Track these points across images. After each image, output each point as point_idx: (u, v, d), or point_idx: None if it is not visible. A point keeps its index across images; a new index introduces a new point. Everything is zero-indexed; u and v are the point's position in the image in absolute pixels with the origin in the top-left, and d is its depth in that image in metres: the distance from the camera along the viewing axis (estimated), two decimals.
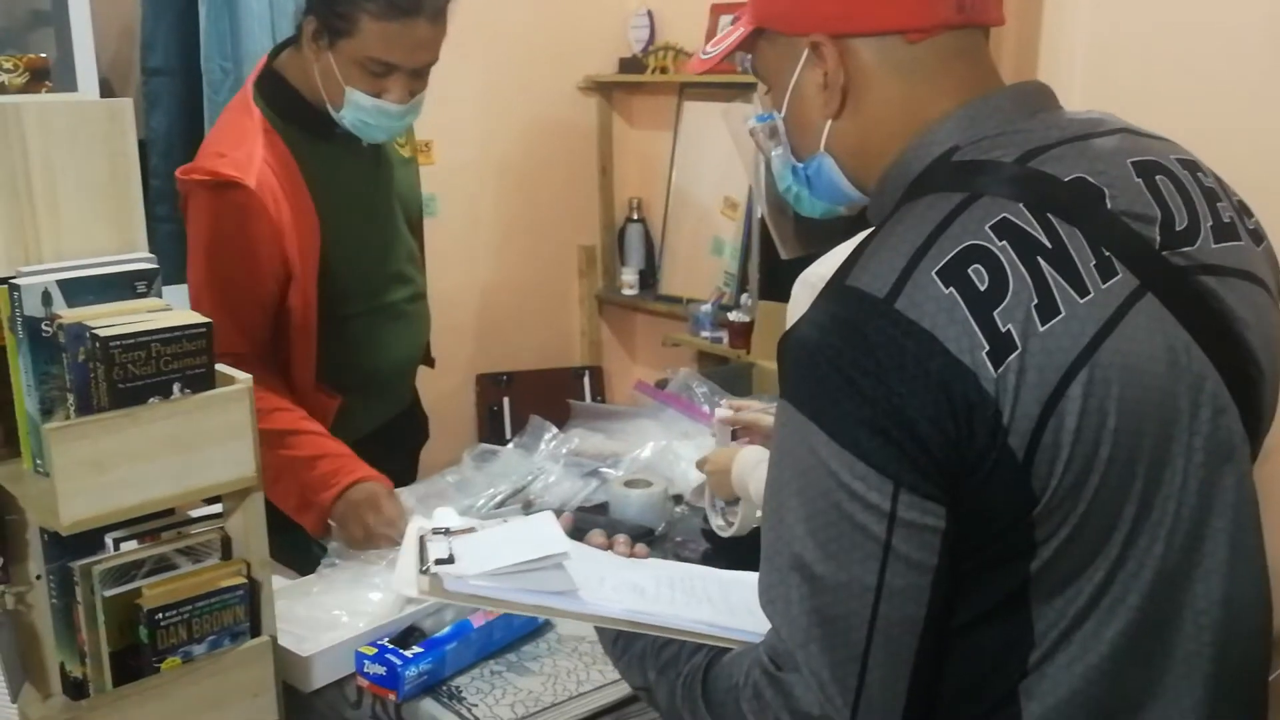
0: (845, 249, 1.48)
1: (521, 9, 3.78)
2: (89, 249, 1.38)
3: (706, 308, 3.67)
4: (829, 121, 1.08)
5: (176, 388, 1.31)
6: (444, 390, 2.59)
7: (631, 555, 1.27)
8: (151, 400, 1.29)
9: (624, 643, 1.15)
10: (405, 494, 2.10)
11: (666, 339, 3.82)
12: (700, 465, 1.99)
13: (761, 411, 1.91)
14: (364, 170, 2.14)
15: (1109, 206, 0.95)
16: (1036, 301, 0.89)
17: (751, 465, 1.75)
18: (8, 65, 1.43)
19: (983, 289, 0.89)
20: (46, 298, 1.30)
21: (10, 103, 1.31)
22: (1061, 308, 0.90)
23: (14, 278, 1.31)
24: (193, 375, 1.32)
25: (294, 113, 2.02)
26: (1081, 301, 0.91)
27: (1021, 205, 0.93)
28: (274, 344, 2.03)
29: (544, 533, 1.21)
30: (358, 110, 1.98)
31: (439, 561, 1.12)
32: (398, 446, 2.38)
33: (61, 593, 1.41)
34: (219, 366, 1.36)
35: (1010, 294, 0.89)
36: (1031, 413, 0.88)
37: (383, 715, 1.66)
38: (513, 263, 3.99)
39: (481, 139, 3.82)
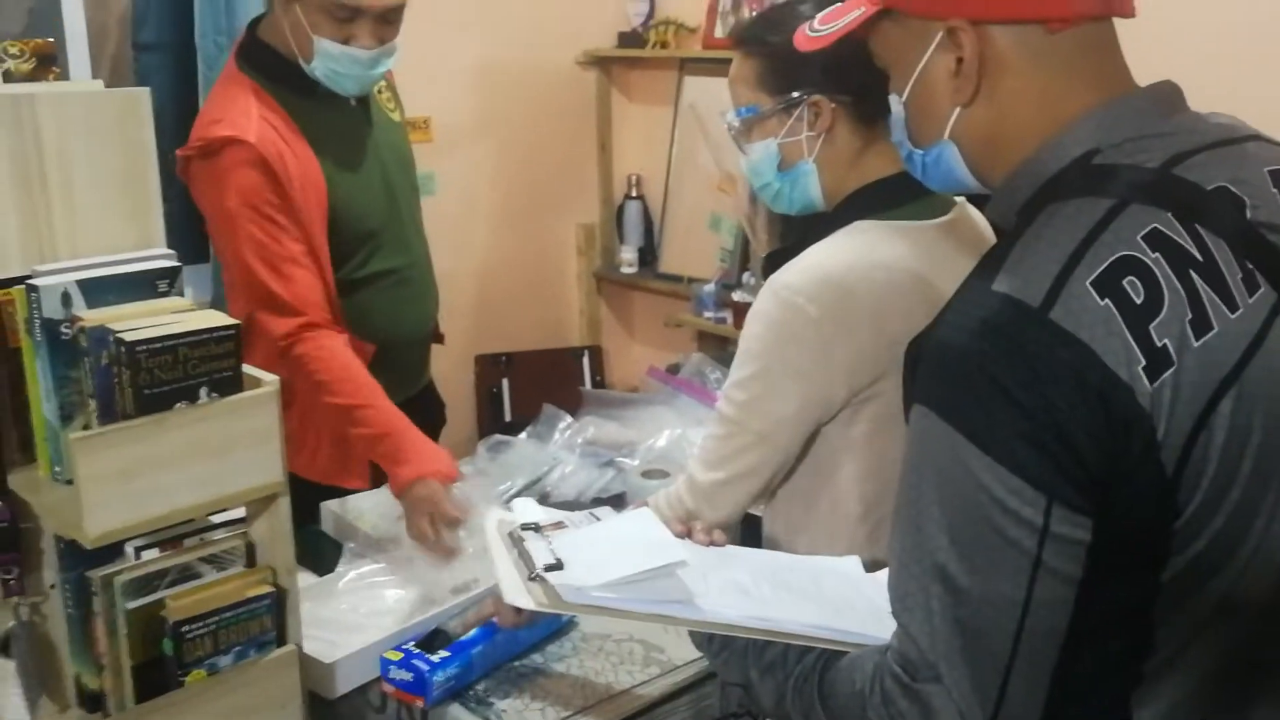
0: (816, 255, 1.46)
1: None
2: (106, 245, 1.33)
3: (710, 287, 3.62)
4: (957, 109, 1.03)
5: (204, 392, 1.26)
6: (443, 371, 2.54)
7: (710, 543, 1.25)
8: (178, 405, 1.24)
9: (722, 639, 1.13)
10: None
11: (669, 320, 3.77)
12: None
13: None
14: (356, 129, 2.12)
15: (1249, 218, 0.94)
16: (1191, 316, 0.89)
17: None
18: (14, 50, 1.36)
19: (1139, 302, 0.88)
20: (66, 299, 1.24)
21: (24, 93, 1.25)
22: (1215, 323, 0.89)
23: (31, 277, 1.25)
24: (220, 379, 1.27)
25: (279, 73, 2.00)
26: (1233, 317, 0.90)
27: (1169, 215, 0.92)
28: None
29: (652, 535, 1.18)
30: (327, 59, 1.95)
31: (548, 568, 1.09)
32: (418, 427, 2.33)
33: (78, 603, 1.37)
34: (246, 368, 1.31)
35: (1166, 308, 0.88)
36: (1184, 428, 0.87)
37: None
38: (511, 241, 3.93)
39: (479, 115, 3.75)
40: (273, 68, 2.00)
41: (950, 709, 0.91)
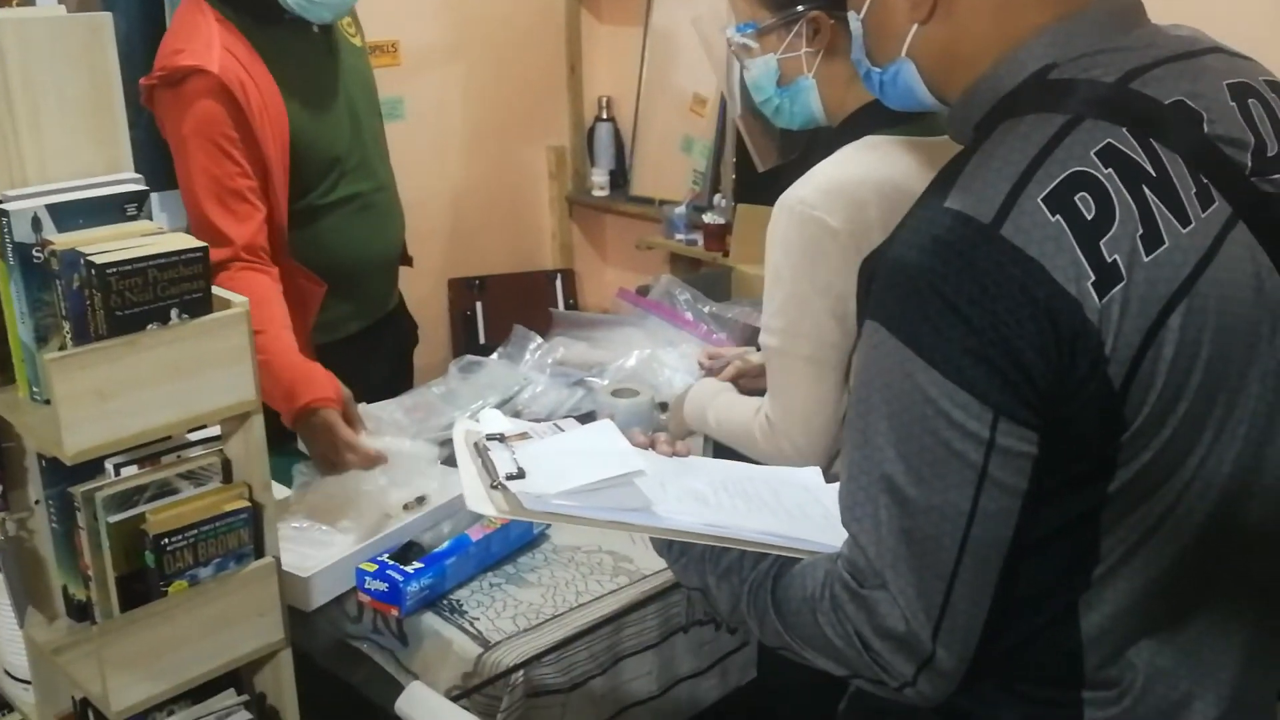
0: (826, 169, 1.47)
1: None
2: (75, 170, 1.34)
3: (680, 210, 3.64)
4: (915, 26, 1.04)
5: (175, 313, 1.29)
6: (417, 296, 2.56)
7: (674, 453, 1.27)
8: (150, 327, 1.27)
9: (681, 546, 1.16)
10: (392, 406, 2.10)
11: (640, 242, 3.79)
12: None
13: (738, 357, 1.89)
14: (318, 56, 2.11)
15: (1206, 131, 0.94)
16: (1142, 231, 0.89)
17: (709, 397, 1.73)
18: None
19: (1090, 218, 0.88)
20: (36, 223, 1.27)
21: None
22: (1165, 238, 0.90)
23: (1, 202, 1.27)
24: (190, 300, 1.30)
25: (242, 1, 1.99)
26: (1184, 231, 0.91)
27: (1124, 130, 0.92)
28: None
29: (612, 445, 1.20)
30: None
31: (510, 477, 1.11)
32: (385, 349, 2.37)
33: (62, 518, 1.41)
34: (216, 289, 1.34)
35: (1117, 223, 0.89)
36: (1132, 342, 0.88)
37: (383, 629, 1.68)
38: (482, 165, 3.93)
39: (447, 38, 3.73)
40: None
41: (895, 614, 0.94)
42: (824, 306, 1.44)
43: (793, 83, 1.53)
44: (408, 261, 2.42)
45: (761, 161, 1.78)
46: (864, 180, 1.41)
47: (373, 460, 1.81)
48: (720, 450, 1.71)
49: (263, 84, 1.97)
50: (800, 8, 1.48)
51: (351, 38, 2.22)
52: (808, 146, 1.55)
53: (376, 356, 2.29)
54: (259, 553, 1.45)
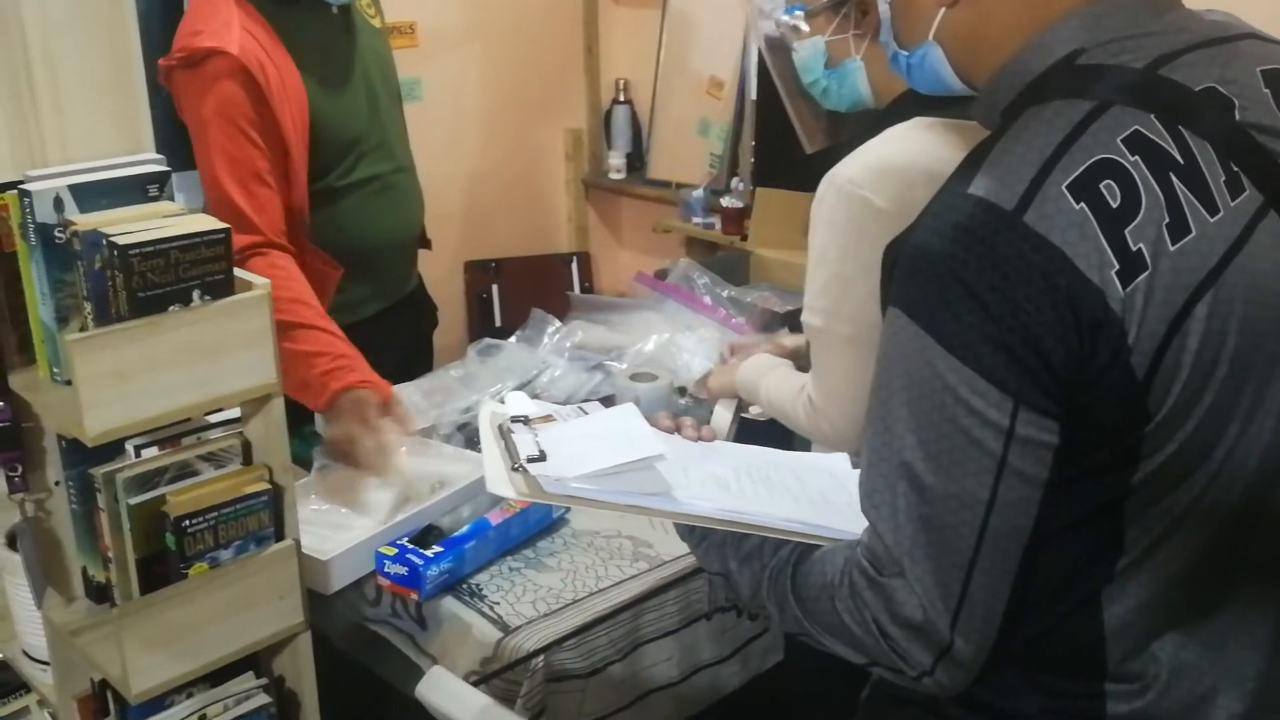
0: (875, 147, 1.46)
1: None
2: (96, 150, 1.34)
3: (698, 193, 3.61)
4: (942, 10, 1.02)
5: (196, 295, 1.28)
6: (432, 278, 2.55)
7: (699, 438, 1.26)
8: (172, 308, 1.26)
9: (702, 530, 1.15)
10: (411, 389, 2.09)
11: (657, 225, 3.77)
12: (700, 388, 1.96)
13: (758, 345, 1.88)
14: (336, 36, 2.10)
15: (1238, 119, 0.93)
16: (1168, 220, 0.88)
17: (763, 371, 1.74)
18: None
19: (1115, 206, 0.87)
20: (58, 203, 1.26)
21: None
22: (1193, 226, 0.88)
23: (23, 182, 1.26)
24: (212, 282, 1.29)
25: None
26: (1212, 220, 0.89)
27: (1152, 116, 0.90)
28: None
29: (634, 430, 1.19)
30: None
31: (531, 460, 1.11)
32: (405, 331, 2.35)
33: (82, 499, 1.40)
34: (238, 271, 1.33)
35: (1142, 211, 0.87)
36: (1156, 332, 0.87)
37: (402, 613, 1.68)
38: (498, 147, 3.91)
39: (465, 19, 3.71)
40: None
41: (913, 602, 0.93)
42: (867, 288, 1.42)
43: (840, 65, 1.54)
44: (426, 244, 2.41)
45: (809, 143, 1.78)
46: (913, 161, 1.39)
47: (379, 461, 1.78)
48: (743, 432, 1.71)
49: (282, 65, 1.95)
50: None
51: (371, 19, 2.20)
52: (863, 127, 1.54)
53: (395, 338, 2.27)
54: (279, 535, 1.45)
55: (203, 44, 1.89)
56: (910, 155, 1.41)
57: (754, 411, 1.95)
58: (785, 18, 1.55)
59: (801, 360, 1.76)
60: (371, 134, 2.14)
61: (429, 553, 1.63)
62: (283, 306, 1.80)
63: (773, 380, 1.69)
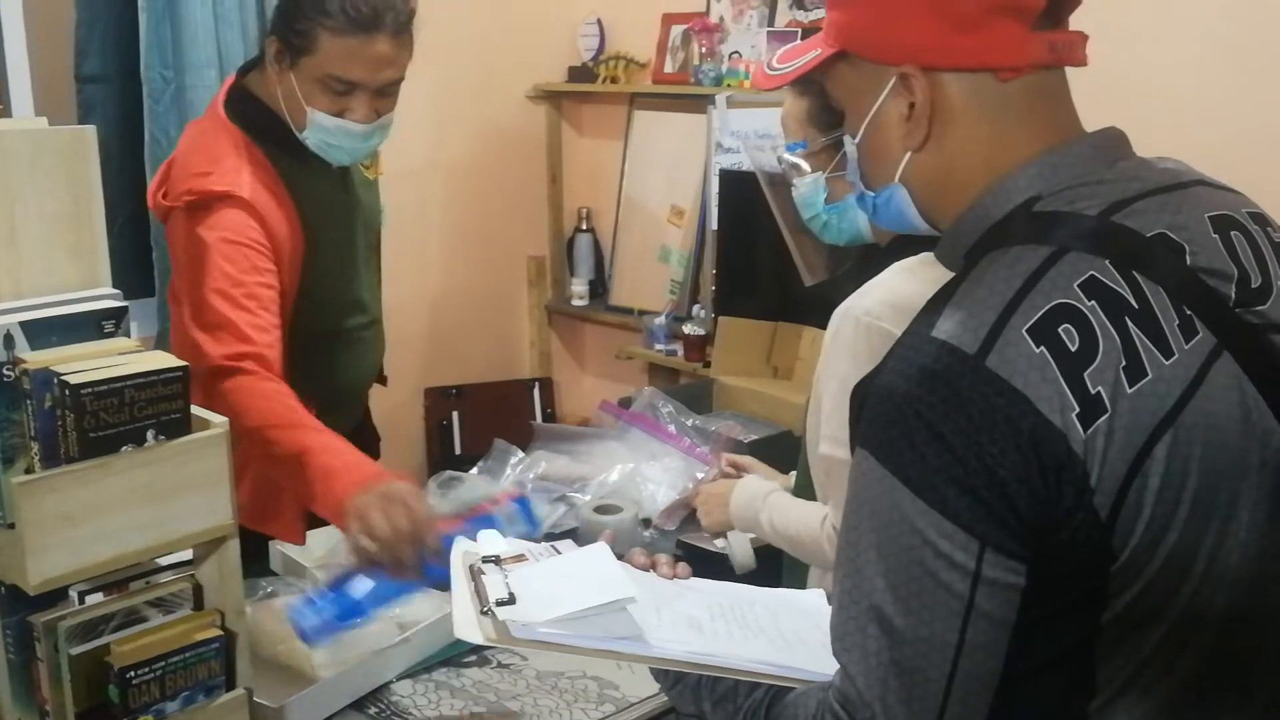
0: (886, 282, 1.48)
1: (470, 16, 3.71)
2: (51, 285, 1.30)
3: (660, 320, 3.63)
4: (908, 153, 1.05)
5: (151, 434, 1.24)
6: (392, 404, 2.53)
7: (674, 575, 1.26)
8: (125, 449, 1.22)
9: (676, 671, 1.14)
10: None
11: (620, 352, 3.78)
12: (691, 499, 1.97)
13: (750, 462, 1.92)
14: (337, 193, 2.09)
15: (1189, 263, 0.95)
16: (1125, 363, 0.90)
17: (759, 498, 1.74)
18: None
19: (1073, 349, 0.89)
20: (9, 340, 1.22)
21: None
22: (1149, 369, 0.90)
23: None
24: (167, 421, 1.25)
25: (267, 130, 1.95)
26: (1167, 363, 0.91)
27: (1107, 262, 0.93)
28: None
29: (605, 570, 1.19)
30: (320, 131, 1.92)
31: (500, 603, 1.10)
32: None
33: (19, 648, 1.34)
34: (194, 409, 1.29)
35: (1100, 355, 0.89)
36: (1118, 473, 0.88)
37: None
38: (461, 273, 3.92)
39: (429, 147, 3.75)
40: (261, 122, 1.95)
41: None
42: None
43: (840, 200, 1.58)
44: (382, 381, 2.38)
45: (809, 275, 1.83)
46: (925, 295, 1.41)
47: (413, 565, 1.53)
48: None
49: (287, 216, 1.93)
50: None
51: (365, 169, 2.19)
52: (863, 261, 1.59)
53: None
54: (230, 684, 1.38)
55: (214, 188, 1.85)
56: (924, 290, 1.43)
57: (720, 546, 1.93)
58: (787, 155, 1.61)
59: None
60: (351, 292, 2.14)
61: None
62: (270, 417, 1.72)
63: (779, 510, 1.71)
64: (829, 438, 1.52)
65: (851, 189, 1.54)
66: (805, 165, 1.60)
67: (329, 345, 2.12)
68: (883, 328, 1.43)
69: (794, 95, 1.60)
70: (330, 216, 2.06)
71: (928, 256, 1.47)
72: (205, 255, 1.83)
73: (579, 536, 2.10)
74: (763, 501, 1.73)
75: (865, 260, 1.58)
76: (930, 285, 1.44)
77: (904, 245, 1.52)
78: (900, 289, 1.46)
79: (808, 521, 1.62)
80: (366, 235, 2.20)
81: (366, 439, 2.39)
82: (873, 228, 1.58)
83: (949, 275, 1.43)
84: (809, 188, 1.61)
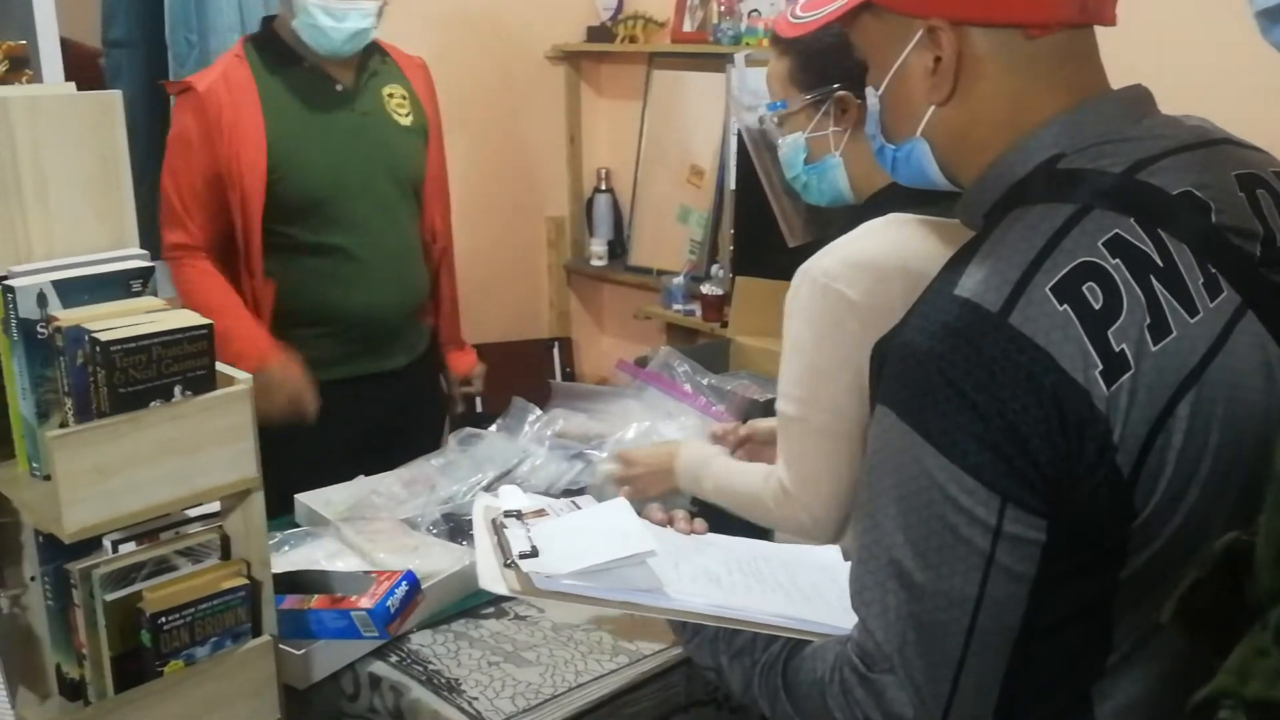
0: (851, 241, 1.48)
1: None
2: (80, 246, 1.35)
3: (678, 280, 3.65)
4: (932, 107, 1.04)
5: (178, 390, 1.28)
6: None
7: (691, 531, 1.27)
8: (153, 404, 1.27)
9: (694, 626, 1.15)
10: (390, 479, 2.09)
11: (638, 312, 3.80)
12: (622, 462, 1.91)
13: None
14: (326, 106, 2.35)
15: (1214, 221, 0.95)
16: (1149, 321, 0.90)
17: (702, 461, 1.73)
18: None
19: (1097, 307, 0.89)
20: (41, 299, 1.27)
21: None
22: (1173, 327, 0.90)
23: (7, 278, 1.27)
24: (194, 377, 1.29)
25: (273, 51, 2.33)
26: (1192, 321, 0.91)
27: (1132, 220, 0.93)
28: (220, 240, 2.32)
29: (625, 525, 1.21)
30: (306, 14, 2.23)
31: (523, 555, 1.12)
32: (381, 406, 2.49)
33: (58, 595, 1.39)
34: (220, 366, 1.34)
35: (1124, 313, 0.89)
36: (1140, 431, 0.89)
37: (380, 708, 1.65)
38: (480, 234, 3.94)
39: (448, 107, 3.72)
40: (269, 45, 2.33)
41: (904, 699, 0.94)
42: (843, 380, 1.44)
43: (820, 160, 1.58)
44: (434, 330, 2.62)
45: (792, 236, 1.82)
46: (888, 255, 1.41)
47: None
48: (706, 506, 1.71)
49: (245, 111, 2.25)
50: (827, 89, 1.52)
51: (403, 117, 2.43)
52: (844, 223, 1.57)
53: (366, 409, 2.45)
54: (256, 631, 1.44)
55: (187, 81, 2.30)
56: (885, 250, 1.43)
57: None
58: (768, 114, 1.60)
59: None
60: (335, 201, 2.32)
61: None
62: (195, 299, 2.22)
63: (719, 470, 1.69)
64: (783, 394, 1.50)
65: (830, 150, 1.56)
66: (786, 124, 1.59)
67: (325, 257, 2.36)
68: (837, 289, 1.40)
69: (776, 54, 1.58)
70: (308, 125, 2.34)
71: (898, 217, 1.47)
72: (166, 153, 2.31)
73: (595, 494, 2.14)
74: (703, 465, 1.71)
75: (856, 222, 1.57)
76: (896, 244, 1.46)
77: (881, 204, 1.51)
78: (862, 248, 1.44)
79: (753, 476, 1.60)
80: (390, 170, 2.41)
81: (414, 389, 2.61)
82: (853, 189, 1.57)
83: (918, 235, 1.45)
84: (790, 148, 1.60)
